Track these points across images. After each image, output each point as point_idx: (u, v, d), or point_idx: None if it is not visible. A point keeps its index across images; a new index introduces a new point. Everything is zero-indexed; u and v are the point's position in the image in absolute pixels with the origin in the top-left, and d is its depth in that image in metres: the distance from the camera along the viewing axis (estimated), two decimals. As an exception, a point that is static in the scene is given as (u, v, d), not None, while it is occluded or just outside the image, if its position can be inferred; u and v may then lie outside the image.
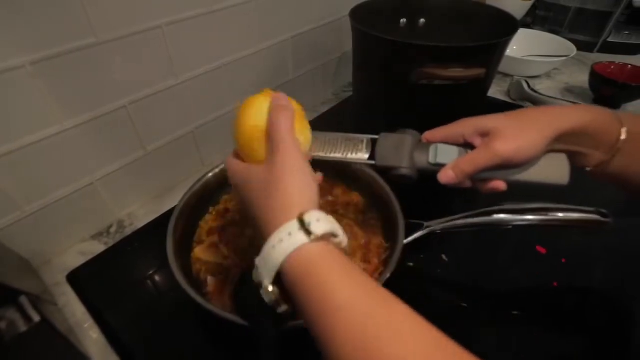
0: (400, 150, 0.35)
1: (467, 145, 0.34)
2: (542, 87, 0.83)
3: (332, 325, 0.21)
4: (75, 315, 0.42)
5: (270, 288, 0.25)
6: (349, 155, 0.37)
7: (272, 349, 0.32)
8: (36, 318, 0.30)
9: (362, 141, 0.37)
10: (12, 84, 0.37)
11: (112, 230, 0.53)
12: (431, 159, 0.34)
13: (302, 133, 0.32)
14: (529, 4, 1.02)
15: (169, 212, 0.54)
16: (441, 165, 0.34)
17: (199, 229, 0.49)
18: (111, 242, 0.51)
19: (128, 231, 0.53)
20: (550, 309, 0.43)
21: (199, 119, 0.58)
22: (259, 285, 0.26)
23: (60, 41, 0.38)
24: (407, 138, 0.36)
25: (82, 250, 0.50)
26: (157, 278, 0.47)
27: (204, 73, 0.55)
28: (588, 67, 0.76)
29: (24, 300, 0.30)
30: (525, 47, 0.93)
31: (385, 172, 0.36)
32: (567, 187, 0.38)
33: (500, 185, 0.33)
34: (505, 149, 0.31)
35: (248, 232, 0.47)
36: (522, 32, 0.96)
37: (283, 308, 0.25)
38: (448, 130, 0.35)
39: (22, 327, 0.29)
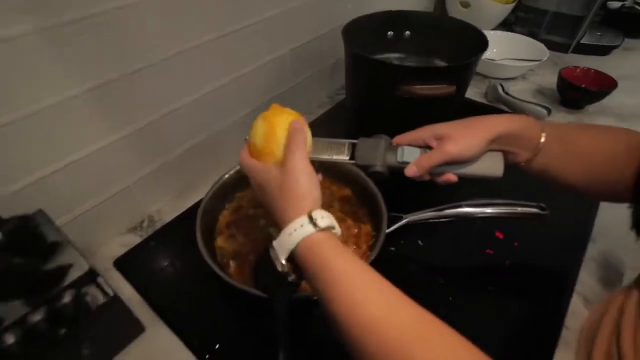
0: (375, 152, 0.45)
1: (426, 147, 0.44)
2: (517, 88, 0.92)
3: (332, 286, 0.31)
4: (125, 294, 0.53)
5: (284, 262, 0.34)
6: (334, 157, 0.46)
7: (283, 314, 0.43)
8: (111, 293, 0.40)
9: (344, 145, 0.46)
10: (70, 111, 0.46)
11: (145, 224, 0.63)
12: (399, 158, 0.44)
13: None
14: (510, 6, 1.10)
15: (191, 208, 0.65)
16: (406, 163, 0.43)
17: (218, 223, 0.59)
18: (145, 235, 0.61)
19: (158, 225, 0.63)
20: (504, 282, 0.54)
21: (214, 125, 0.67)
22: (275, 260, 0.35)
23: (109, 70, 0.47)
24: (380, 142, 0.45)
25: (121, 242, 0.60)
26: (186, 262, 0.57)
27: (219, 87, 0.64)
28: (560, 68, 0.85)
29: (101, 279, 0.40)
30: (504, 50, 1.01)
31: (363, 169, 0.46)
32: (516, 187, 0.49)
33: (451, 177, 0.43)
34: (453, 149, 0.41)
35: (261, 223, 0.58)
36: (501, 36, 1.05)
37: (292, 277, 0.35)
38: (412, 135, 0.45)
39: (102, 299, 0.39)
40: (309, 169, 0.37)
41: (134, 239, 0.61)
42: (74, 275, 0.36)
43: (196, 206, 0.55)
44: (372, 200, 0.56)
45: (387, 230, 0.51)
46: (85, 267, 0.36)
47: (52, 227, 0.41)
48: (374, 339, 0.27)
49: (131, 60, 0.49)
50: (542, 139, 0.42)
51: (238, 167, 0.59)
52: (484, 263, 0.56)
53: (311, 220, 0.33)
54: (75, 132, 0.48)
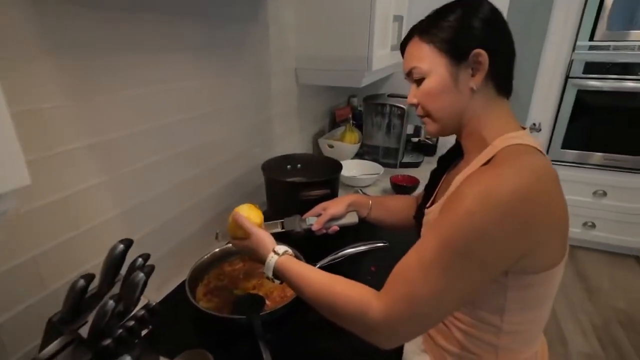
0: (294, 222, 0.86)
1: (319, 215, 0.86)
2: (371, 190, 1.46)
3: (301, 283, 0.63)
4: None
5: (271, 275, 0.67)
6: (275, 230, 0.84)
7: (259, 329, 0.71)
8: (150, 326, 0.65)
9: (278, 223, 0.87)
10: (109, 229, 0.75)
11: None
12: (307, 223, 0.85)
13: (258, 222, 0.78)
14: (358, 145, 1.75)
15: (168, 295, 0.89)
16: (311, 225, 0.84)
17: (196, 295, 0.85)
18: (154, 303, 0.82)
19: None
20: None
21: (183, 233, 0.98)
22: (266, 277, 0.68)
23: (136, 197, 0.79)
24: (297, 217, 0.87)
25: (118, 325, 0.80)
26: (174, 323, 0.80)
27: (186, 208, 0.97)
28: (390, 176, 1.43)
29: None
30: (361, 169, 1.59)
31: (289, 233, 0.84)
32: (368, 231, 0.92)
33: (335, 228, 0.85)
34: (331, 211, 0.84)
35: (227, 288, 0.87)
36: (358, 162, 1.65)
37: (277, 282, 0.68)
38: (312, 211, 0.88)
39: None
40: (262, 230, 0.74)
41: (129, 322, 0.81)
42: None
43: (171, 294, 0.85)
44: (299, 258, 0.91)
45: (309, 273, 0.87)
46: (146, 301, 0.61)
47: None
48: (320, 291, 0.60)
49: (147, 192, 0.83)
50: (370, 203, 0.88)
51: (202, 259, 0.91)
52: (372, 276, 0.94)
53: (275, 252, 0.69)
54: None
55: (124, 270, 0.59)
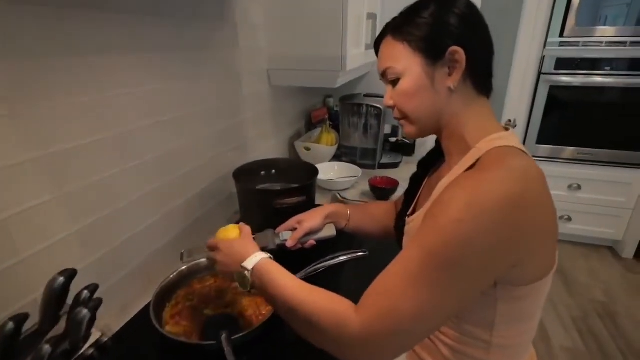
0: (267, 238, 0.79)
1: (294, 229, 0.80)
2: (350, 193, 1.42)
3: (278, 287, 0.57)
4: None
5: (250, 272, 0.61)
6: None
7: (231, 355, 0.65)
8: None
9: None
10: (64, 249, 0.67)
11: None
12: (281, 238, 0.79)
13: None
14: (335, 147, 1.70)
15: (134, 318, 0.82)
16: (285, 240, 0.78)
17: (163, 318, 0.78)
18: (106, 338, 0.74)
19: (108, 335, 0.77)
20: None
21: (151, 248, 0.91)
22: (243, 274, 0.62)
23: (96, 212, 0.71)
24: (269, 232, 0.81)
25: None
26: (147, 343, 0.73)
27: (152, 223, 0.90)
28: (369, 178, 1.38)
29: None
30: (338, 172, 1.55)
31: (262, 249, 0.78)
32: (347, 240, 0.87)
33: (312, 242, 0.79)
34: (307, 225, 0.78)
35: (198, 309, 0.80)
36: (335, 164, 1.60)
37: (248, 289, 0.62)
38: (285, 225, 0.81)
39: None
40: (251, 240, 0.70)
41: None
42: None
43: (137, 316, 0.78)
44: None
45: (286, 287, 0.81)
46: (99, 335, 0.55)
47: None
48: (297, 300, 0.54)
49: (105, 207, 0.75)
50: (348, 212, 0.83)
51: (168, 279, 0.84)
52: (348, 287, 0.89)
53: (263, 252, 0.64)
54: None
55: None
